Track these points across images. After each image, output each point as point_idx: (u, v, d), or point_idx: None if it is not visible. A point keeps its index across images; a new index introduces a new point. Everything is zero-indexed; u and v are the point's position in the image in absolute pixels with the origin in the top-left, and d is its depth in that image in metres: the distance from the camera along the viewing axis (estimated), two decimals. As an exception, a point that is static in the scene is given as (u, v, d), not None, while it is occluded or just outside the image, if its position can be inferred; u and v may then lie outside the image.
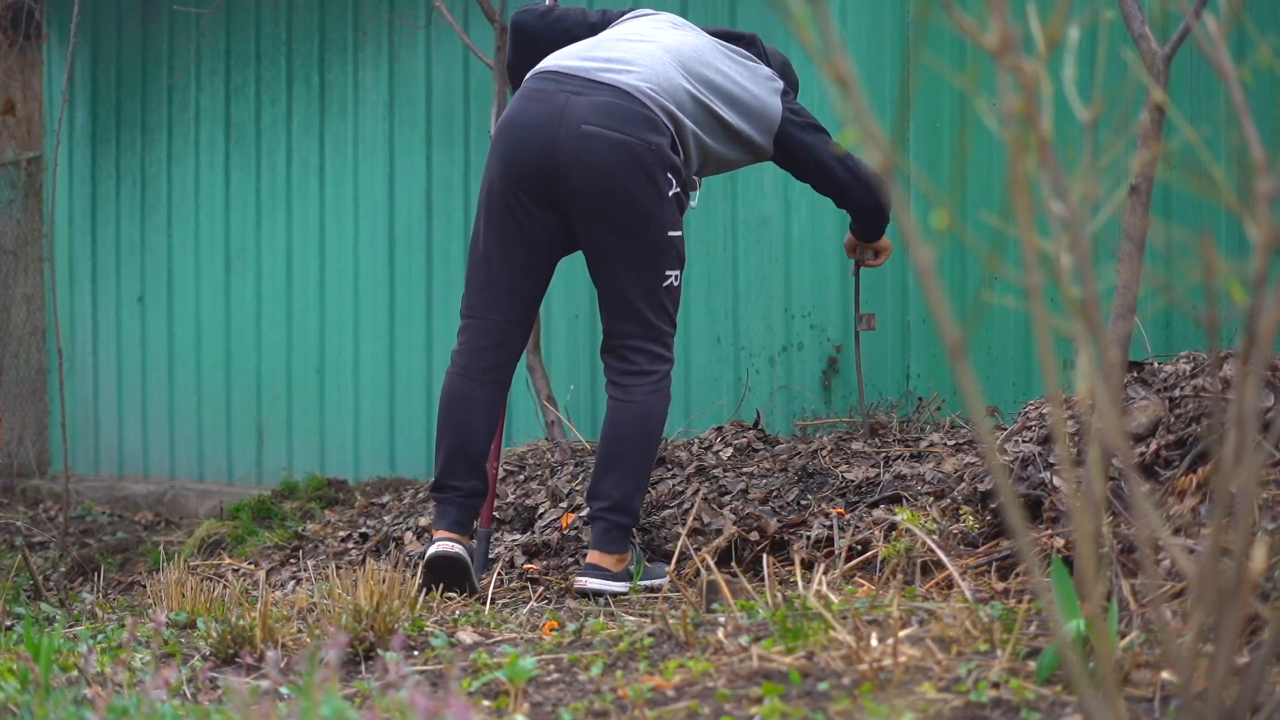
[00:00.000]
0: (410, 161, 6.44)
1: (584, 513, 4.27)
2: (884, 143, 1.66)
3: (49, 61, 7.93)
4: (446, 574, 3.78)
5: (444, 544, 3.79)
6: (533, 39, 4.11)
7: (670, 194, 3.78)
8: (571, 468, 4.73)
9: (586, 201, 3.76)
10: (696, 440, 4.80)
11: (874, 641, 2.63)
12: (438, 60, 6.35)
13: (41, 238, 8.08)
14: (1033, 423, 3.78)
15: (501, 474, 4.83)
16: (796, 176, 4.13)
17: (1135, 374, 3.65)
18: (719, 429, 4.84)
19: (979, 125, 4.95)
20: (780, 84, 4.04)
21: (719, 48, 3.99)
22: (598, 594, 3.76)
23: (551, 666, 2.87)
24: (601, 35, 3.99)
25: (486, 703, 2.69)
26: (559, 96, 3.76)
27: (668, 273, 3.83)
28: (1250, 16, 4.73)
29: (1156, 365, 3.70)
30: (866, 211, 4.19)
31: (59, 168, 7.49)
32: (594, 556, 3.82)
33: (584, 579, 3.78)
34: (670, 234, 3.81)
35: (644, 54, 3.85)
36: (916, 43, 4.96)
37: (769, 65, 4.08)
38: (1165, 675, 2.39)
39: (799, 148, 4.01)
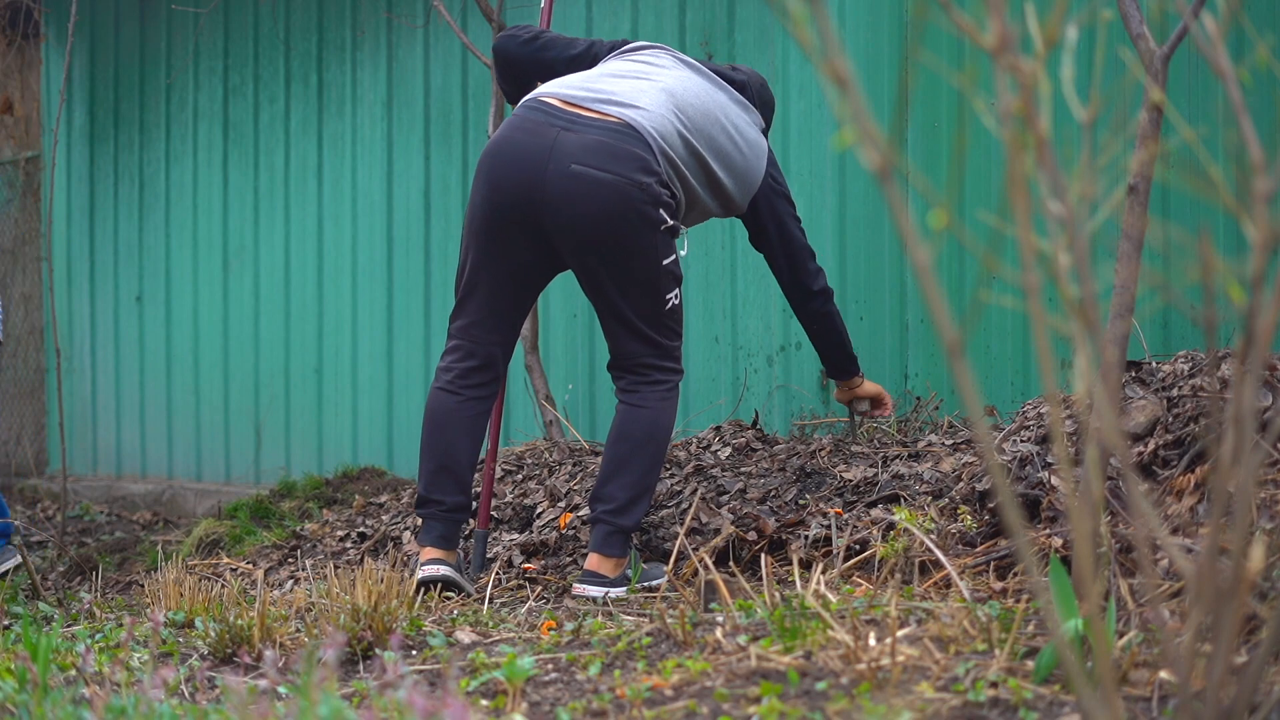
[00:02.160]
0: (408, 161, 6.44)
1: (583, 513, 4.27)
2: (882, 142, 1.66)
3: (47, 61, 7.93)
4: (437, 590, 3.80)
5: (431, 568, 3.80)
6: (516, 65, 4.09)
7: (663, 227, 3.77)
8: (570, 467, 4.73)
9: (576, 239, 3.75)
10: (695, 440, 4.80)
11: (872, 641, 2.63)
12: (436, 59, 6.35)
13: (39, 237, 8.08)
14: (1030, 422, 3.78)
15: (500, 473, 4.83)
16: (754, 237, 4.14)
17: (1133, 373, 3.65)
18: (717, 428, 4.84)
19: (977, 125, 4.95)
20: (765, 143, 4.03)
21: (718, 90, 3.95)
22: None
23: (549, 666, 2.87)
24: (601, 68, 3.94)
25: (484, 702, 2.69)
26: (549, 131, 3.72)
27: (667, 296, 3.83)
28: (1248, 16, 4.74)
29: (1154, 365, 3.70)
30: (812, 300, 4.15)
31: (57, 167, 7.49)
32: (593, 562, 3.81)
33: (583, 586, 3.78)
34: (665, 262, 3.80)
35: (642, 93, 3.81)
36: (914, 42, 4.96)
37: (757, 105, 4.06)
38: (1163, 675, 2.39)
39: (769, 212, 4.04)
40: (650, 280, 3.79)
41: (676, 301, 3.86)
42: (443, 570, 3.79)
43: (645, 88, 3.83)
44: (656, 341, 3.84)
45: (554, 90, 3.82)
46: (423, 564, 3.82)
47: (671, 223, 3.78)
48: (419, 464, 3.94)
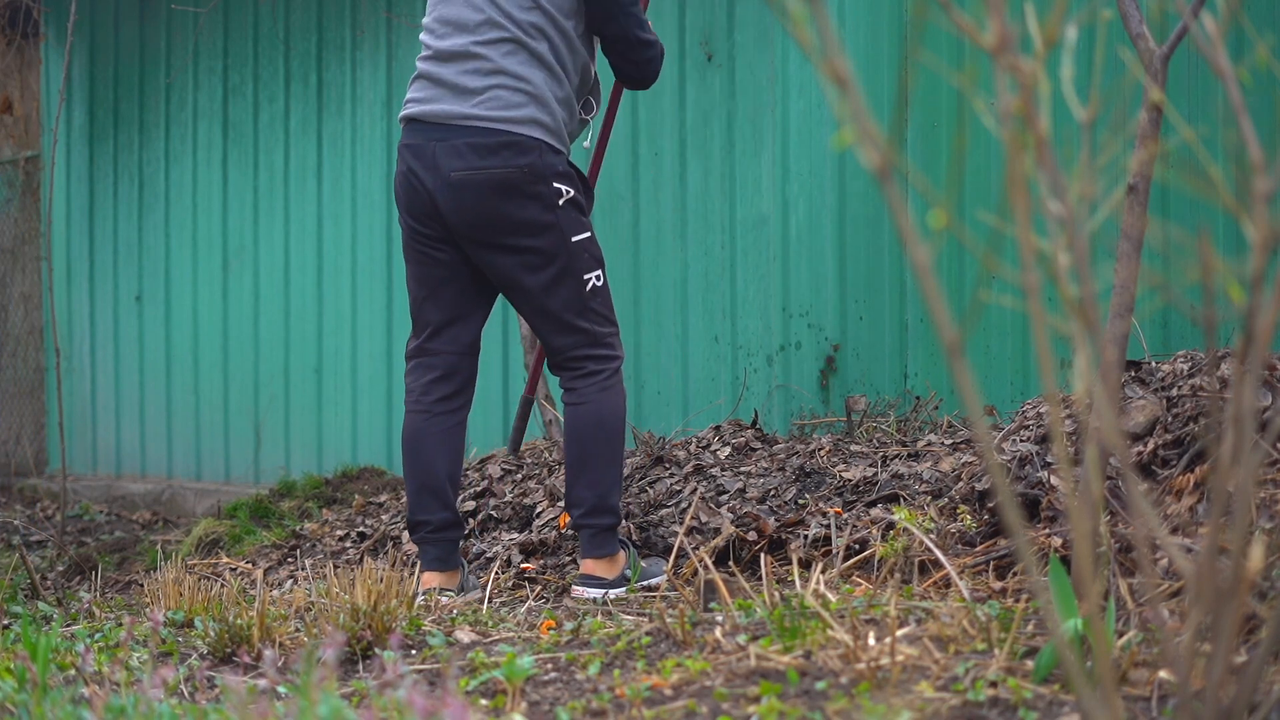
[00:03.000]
0: (408, 160, 6.44)
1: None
2: (881, 142, 1.66)
3: (46, 60, 7.93)
4: None
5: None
6: None
7: (562, 202, 3.78)
8: (569, 467, 4.73)
9: (479, 240, 3.80)
10: (694, 439, 4.80)
11: (871, 640, 2.63)
12: (435, 59, 6.35)
13: (39, 236, 8.08)
14: (1030, 422, 3.78)
15: (499, 473, 4.84)
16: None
17: (1133, 373, 3.65)
18: (717, 428, 4.84)
19: (977, 124, 4.95)
20: None
21: None
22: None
23: (549, 665, 2.87)
24: (432, 41, 3.84)
25: (484, 702, 2.69)
26: (428, 147, 3.79)
27: (586, 277, 3.82)
28: (1248, 16, 4.74)
29: (1154, 364, 3.70)
30: (639, 71, 3.96)
31: (56, 166, 7.49)
32: (587, 566, 3.81)
33: (582, 589, 3.78)
34: (575, 239, 3.80)
35: (472, 72, 3.77)
36: (914, 42, 4.96)
37: None
38: (1162, 674, 2.39)
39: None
40: (565, 261, 3.78)
41: (599, 283, 3.84)
42: (442, 599, 3.79)
43: (471, 63, 3.77)
44: (587, 330, 3.84)
45: (413, 110, 3.85)
46: (422, 592, 3.81)
47: (571, 194, 3.79)
48: (405, 486, 3.96)
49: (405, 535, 4.67)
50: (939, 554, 3.09)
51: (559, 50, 3.81)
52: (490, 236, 3.78)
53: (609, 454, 3.83)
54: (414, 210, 3.85)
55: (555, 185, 3.76)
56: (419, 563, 3.91)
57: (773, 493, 4.14)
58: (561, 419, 5.24)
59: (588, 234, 3.83)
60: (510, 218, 3.74)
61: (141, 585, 4.63)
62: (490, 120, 3.75)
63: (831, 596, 2.97)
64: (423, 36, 3.91)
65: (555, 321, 3.83)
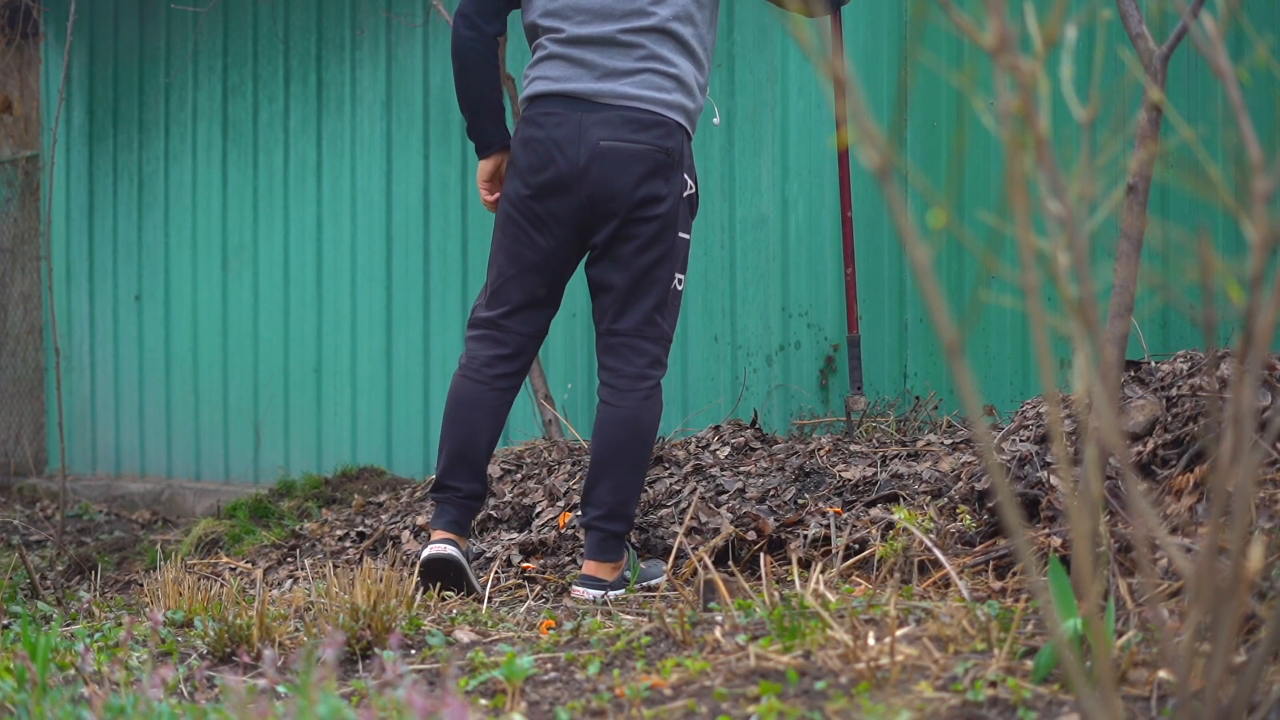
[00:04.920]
0: (408, 160, 6.44)
1: (578, 515, 4.27)
2: (881, 141, 1.66)
3: (46, 60, 7.93)
4: (442, 575, 3.79)
5: (439, 546, 3.80)
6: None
7: (685, 194, 3.86)
8: (569, 466, 4.73)
9: (607, 211, 3.80)
10: (694, 439, 4.80)
11: (871, 640, 2.63)
12: (435, 58, 6.35)
13: (38, 236, 8.08)
14: (1030, 422, 3.78)
15: (499, 473, 4.84)
16: None
17: (1132, 373, 3.65)
18: (716, 428, 4.84)
19: (976, 124, 4.96)
20: None
21: None
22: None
23: (549, 665, 2.87)
24: (574, 29, 3.84)
25: (483, 701, 2.70)
26: (573, 116, 3.80)
27: (676, 275, 3.88)
28: (1247, 15, 4.74)
29: (1154, 364, 3.70)
30: None
31: (56, 166, 7.49)
32: (590, 567, 3.82)
33: (582, 590, 3.78)
34: (682, 235, 3.87)
35: (617, 53, 3.80)
36: (914, 42, 4.96)
37: None
38: (1162, 674, 2.39)
39: None
40: (666, 249, 3.84)
41: (680, 287, 3.91)
42: (449, 550, 3.79)
43: (618, 49, 3.81)
44: (655, 321, 3.87)
45: (550, 86, 3.84)
46: (432, 542, 3.82)
47: (693, 191, 3.87)
48: (439, 448, 3.95)
49: (405, 535, 4.67)
50: (939, 554, 3.09)
51: (702, 35, 3.88)
52: (619, 209, 3.79)
53: (637, 462, 3.85)
54: (540, 176, 3.82)
55: (684, 177, 3.85)
56: (432, 520, 3.92)
57: (772, 493, 4.14)
58: (561, 419, 5.25)
59: (688, 236, 3.90)
60: (645, 194, 3.78)
61: (141, 585, 4.63)
62: (643, 100, 3.80)
63: (831, 596, 2.97)
64: (546, 21, 3.87)
65: (633, 304, 3.85)
